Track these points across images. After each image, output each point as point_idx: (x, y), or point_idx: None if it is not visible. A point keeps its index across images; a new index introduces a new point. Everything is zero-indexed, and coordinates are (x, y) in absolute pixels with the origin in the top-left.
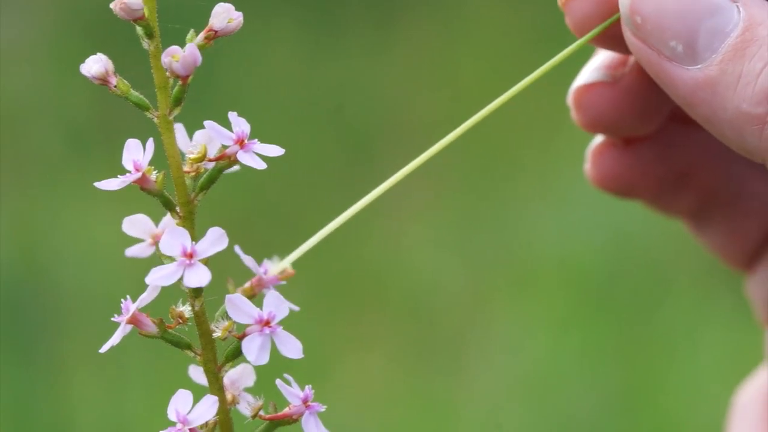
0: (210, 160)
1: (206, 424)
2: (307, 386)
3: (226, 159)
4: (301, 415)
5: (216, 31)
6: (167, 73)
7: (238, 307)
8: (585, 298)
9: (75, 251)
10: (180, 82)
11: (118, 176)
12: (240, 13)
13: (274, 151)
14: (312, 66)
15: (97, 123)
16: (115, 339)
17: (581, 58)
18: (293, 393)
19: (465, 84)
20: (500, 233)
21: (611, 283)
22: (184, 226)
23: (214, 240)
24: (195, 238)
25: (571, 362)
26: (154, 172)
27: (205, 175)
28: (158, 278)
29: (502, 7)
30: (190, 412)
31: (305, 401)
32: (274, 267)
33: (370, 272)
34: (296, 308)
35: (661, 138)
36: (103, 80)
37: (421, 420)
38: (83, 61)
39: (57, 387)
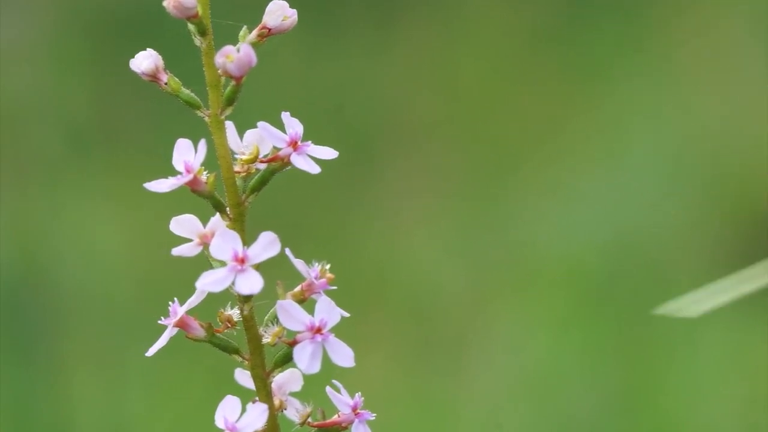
0: (262, 161)
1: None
2: (356, 393)
3: (279, 161)
4: (351, 423)
5: (270, 29)
6: (219, 72)
7: (289, 313)
8: (585, 298)
9: (75, 251)
10: (233, 82)
11: (168, 177)
12: (294, 11)
13: (328, 153)
14: (312, 66)
15: (97, 123)
16: (162, 341)
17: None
18: (343, 401)
19: (465, 84)
20: (501, 234)
21: (611, 283)
22: (234, 229)
23: (266, 245)
24: (246, 241)
25: (571, 362)
26: (205, 172)
27: (256, 177)
28: (208, 283)
29: (502, 7)
30: (238, 419)
31: (355, 409)
32: None
33: (371, 272)
34: (347, 314)
35: None
36: (153, 77)
37: (421, 420)
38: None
39: (57, 387)
